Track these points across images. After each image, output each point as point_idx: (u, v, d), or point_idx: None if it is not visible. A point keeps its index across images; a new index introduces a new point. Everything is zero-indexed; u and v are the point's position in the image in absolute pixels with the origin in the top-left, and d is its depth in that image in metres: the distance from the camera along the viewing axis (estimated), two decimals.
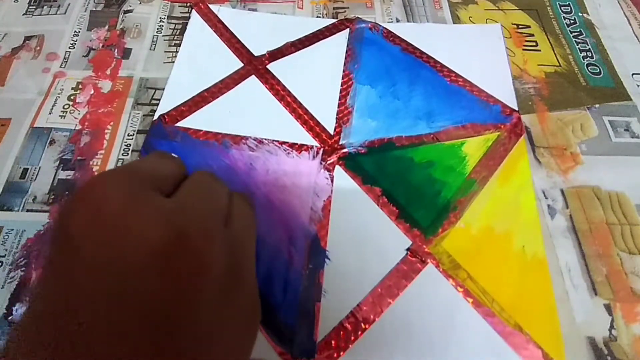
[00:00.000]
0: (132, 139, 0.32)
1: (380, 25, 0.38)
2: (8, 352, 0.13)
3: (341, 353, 0.25)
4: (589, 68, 0.36)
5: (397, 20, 0.39)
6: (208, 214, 0.17)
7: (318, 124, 0.33)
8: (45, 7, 0.40)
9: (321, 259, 0.27)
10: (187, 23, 0.39)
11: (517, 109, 0.33)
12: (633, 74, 0.36)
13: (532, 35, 0.38)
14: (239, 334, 0.18)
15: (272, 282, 0.26)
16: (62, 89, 0.35)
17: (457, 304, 0.26)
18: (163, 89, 0.35)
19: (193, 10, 0.39)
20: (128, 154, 0.32)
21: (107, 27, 0.39)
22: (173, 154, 0.21)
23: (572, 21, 0.39)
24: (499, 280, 0.26)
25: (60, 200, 0.30)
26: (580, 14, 0.40)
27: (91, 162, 0.31)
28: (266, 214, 0.29)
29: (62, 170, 0.31)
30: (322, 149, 0.32)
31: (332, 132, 0.32)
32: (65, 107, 0.34)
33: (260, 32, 0.38)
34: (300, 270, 0.27)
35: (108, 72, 0.36)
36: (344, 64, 0.36)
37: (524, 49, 0.37)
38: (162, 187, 0.17)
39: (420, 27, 0.38)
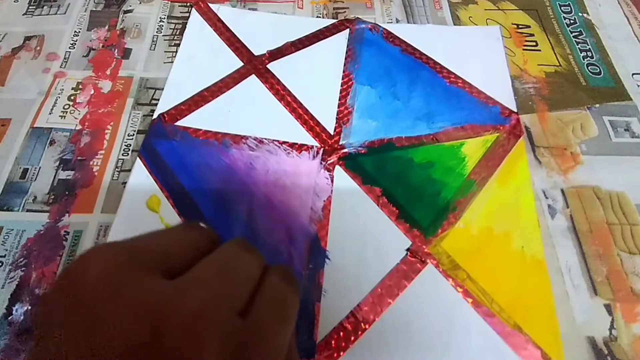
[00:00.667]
0: (132, 139, 0.32)
1: (380, 26, 0.38)
2: None
3: (341, 353, 0.25)
4: (589, 68, 0.36)
5: (397, 21, 0.39)
6: (214, 302, 0.14)
7: (318, 124, 0.33)
8: (45, 7, 0.40)
9: (321, 259, 0.27)
10: (187, 23, 0.39)
11: (516, 110, 0.33)
12: (633, 74, 0.36)
13: (532, 35, 0.38)
14: None
15: None
16: (62, 89, 0.35)
17: (456, 304, 0.26)
18: (163, 89, 0.35)
19: (193, 9, 0.39)
20: (128, 154, 0.32)
21: (107, 27, 0.39)
22: (202, 224, 0.18)
23: (572, 21, 0.39)
24: (499, 280, 0.27)
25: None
26: (580, 14, 0.40)
27: (91, 162, 0.31)
28: (266, 214, 0.29)
29: (62, 170, 0.31)
30: (322, 149, 0.32)
31: (332, 132, 0.32)
32: (66, 107, 0.34)
33: (260, 31, 0.38)
34: (300, 270, 0.27)
35: (108, 72, 0.36)
36: (344, 65, 0.36)
37: (524, 49, 0.37)
38: (174, 266, 0.15)
39: (420, 29, 0.38)
